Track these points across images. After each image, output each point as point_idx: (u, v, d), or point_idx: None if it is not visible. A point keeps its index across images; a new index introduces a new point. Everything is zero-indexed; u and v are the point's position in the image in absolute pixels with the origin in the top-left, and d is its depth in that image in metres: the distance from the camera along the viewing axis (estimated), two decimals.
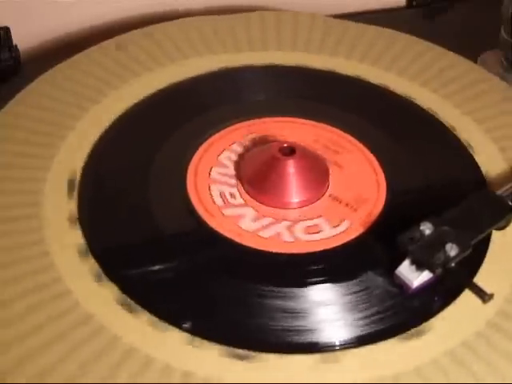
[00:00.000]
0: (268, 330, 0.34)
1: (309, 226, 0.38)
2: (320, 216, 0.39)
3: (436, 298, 0.35)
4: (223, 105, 0.45)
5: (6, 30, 0.51)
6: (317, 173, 0.40)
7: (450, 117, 0.45)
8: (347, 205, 0.39)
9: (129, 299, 0.34)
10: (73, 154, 0.41)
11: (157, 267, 0.36)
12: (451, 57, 0.49)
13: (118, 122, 0.43)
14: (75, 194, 0.39)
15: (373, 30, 0.51)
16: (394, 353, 0.34)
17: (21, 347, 0.33)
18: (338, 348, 0.34)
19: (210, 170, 0.40)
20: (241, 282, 0.35)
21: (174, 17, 0.51)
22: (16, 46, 0.51)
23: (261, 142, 0.42)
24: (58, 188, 0.39)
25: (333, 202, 0.39)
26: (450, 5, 0.60)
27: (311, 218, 0.39)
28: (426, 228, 0.35)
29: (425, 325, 0.35)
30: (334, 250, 0.37)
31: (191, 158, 0.41)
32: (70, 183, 0.39)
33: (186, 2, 0.56)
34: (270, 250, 0.37)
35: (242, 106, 0.45)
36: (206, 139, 0.42)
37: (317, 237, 0.38)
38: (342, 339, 0.34)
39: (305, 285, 0.35)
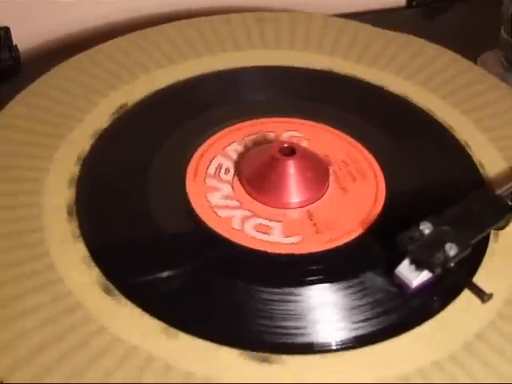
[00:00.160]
0: (267, 330, 0.34)
1: (261, 225, 0.38)
2: (280, 221, 0.38)
3: (435, 298, 0.35)
4: (222, 105, 0.45)
5: (6, 30, 0.51)
6: (317, 173, 0.40)
7: (449, 117, 0.45)
8: (314, 225, 0.39)
9: (130, 303, 0.35)
10: (73, 152, 0.41)
11: (155, 266, 0.36)
12: (449, 56, 0.49)
13: (114, 123, 0.43)
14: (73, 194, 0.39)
15: (370, 29, 0.51)
16: (394, 353, 0.34)
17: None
18: (337, 348, 0.34)
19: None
20: (239, 282, 0.35)
21: (174, 18, 0.51)
22: (16, 46, 0.51)
23: (261, 142, 0.42)
24: (58, 189, 0.39)
25: (305, 216, 0.39)
26: (450, 5, 0.60)
27: (270, 219, 0.38)
28: (426, 228, 0.35)
29: (424, 325, 0.35)
30: (335, 251, 0.37)
31: (190, 157, 0.41)
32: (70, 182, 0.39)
33: (186, 3, 0.56)
34: (269, 251, 0.37)
35: (241, 107, 0.45)
36: (205, 139, 0.42)
37: (260, 236, 0.37)
38: (340, 339, 0.34)
39: (304, 285, 0.35)
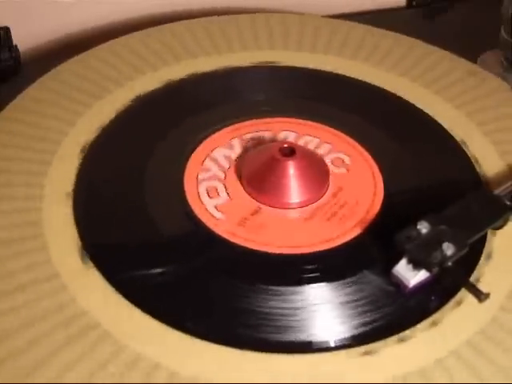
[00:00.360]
0: (266, 330, 0.34)
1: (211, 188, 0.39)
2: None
3: (433, 298, 0.35)
4: (221, 105, 0.45)
5: (6, 30, 0.51)
6: (317, 173, 0.40)
7: (447, 117, 0.45)
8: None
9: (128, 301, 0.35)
10: (72, 152, 0.41)
11: (153, 266, 0.36)
12: (448, 56, 0.49)
13: (110, 124, 0.43)
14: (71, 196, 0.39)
15: (368, 29, 0.51)
16: (390, 352, 0.34)
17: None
18: (335, 347, 0.34)
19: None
20: (237, 281, 0.35)
21: (174, 18, 0.51)
22: (16, 46, 0.51)
23: (260, 142, 0.42)
24: (57, 190, 0.39)
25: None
26: (450, 5, 0.60)
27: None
28: (423, 227, 0.35)
29: (421, 324, 0.35)
30: (332, 250, 0.37)
31: (189, 157, 0.41)
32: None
33: (186, 3, 0.57)
34: (267, 251, 0.37)
35: (240, 106, 0.45)
36: (204, 139, 0.42)
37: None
38: (338, 339, 0.34)
39: (301, 284, 0.35)
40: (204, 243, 0.37)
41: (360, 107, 0.45)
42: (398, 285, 0.35)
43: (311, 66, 0.48)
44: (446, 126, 0.44)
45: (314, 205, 0.39)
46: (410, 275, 0.35)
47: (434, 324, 0.35)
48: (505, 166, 0.42)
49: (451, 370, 0.33)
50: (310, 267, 0.36)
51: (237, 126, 0.43)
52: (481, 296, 0.34)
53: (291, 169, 0.39)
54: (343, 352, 0.33)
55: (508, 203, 0.38)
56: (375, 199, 0.40)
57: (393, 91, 0.46)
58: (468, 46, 0.52)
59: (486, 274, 0.37)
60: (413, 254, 0.35)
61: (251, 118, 0.44)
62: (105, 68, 0.46)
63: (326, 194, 0.40)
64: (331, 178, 0.40)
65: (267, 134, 0.43)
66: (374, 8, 0.60)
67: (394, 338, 0.34)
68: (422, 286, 0.35)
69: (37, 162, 0.40)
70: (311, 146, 0.42)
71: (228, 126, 0.43)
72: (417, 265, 0.35)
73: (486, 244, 0.38)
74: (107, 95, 0.44)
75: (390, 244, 0.35)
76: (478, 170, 0.42)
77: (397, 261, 0.35)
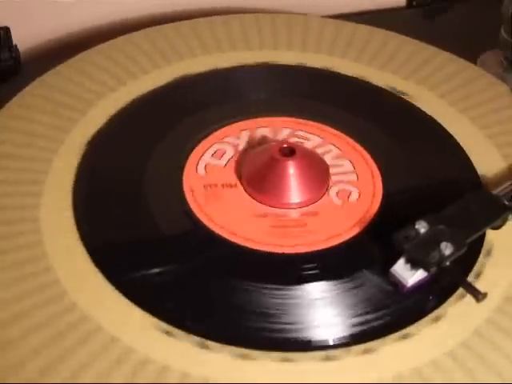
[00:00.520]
0: (265, 328, 0.34)
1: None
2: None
3: (431, 297, 0.36)
4: (219, 105, 0.45)
5: (6, 30, 0.51)
6: (317, 173, 0.40)
7: (447, 116, 0.45)
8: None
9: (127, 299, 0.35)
10: (70, 153, 0.41)
11: (152, 265, 0.36)
12: (447, 57, 0.49)
13: (112, 123, 0.43)
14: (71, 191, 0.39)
15: (369, 30, 0.51)
16: (388, 351, 0.34)
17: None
18: (334, 347, 0.34)
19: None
20: (236, 280, 0.36)
21: (174, 18, 0.51)
22: (16, 46, 0.51)
23: (259, 142, 0.42)
24: (58, 188, 0.39)
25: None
26: (449, 5, 0.60)
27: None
28: (422, 227, 0.35)
29: (419, 323, 0.35)
30: (331, 249, 0.37)
31: (188, 156, 0.41)
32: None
33: (186, 3, 0.57)
34: (266, 250, 0.37)
35: (238, 106, 0.45)
36: (202, 138, 0.42)
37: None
38: (336, 338, 0.34)
39: (300, 283, 0.36)
40: (203, 242, 0.37)
41: (360, 108, 0.45)
42: (396, 284, 0.35)
43: (312, 65, 0.48)
44: (445, 125, 0.44)
45: (314, 205, 0.39)
46: (408, 275, 0.35)
47: (433, 322, 0.35)
48: (504, 166, 0.42)
49: (448, 370, 0.33)
50: (307, 266, 0.36)
51: (234, 125, 0.43)
52: (478, 296, 0.34)
53: (291, 169, 0.39)
54: (343, 351, 0.34)
55: (507, 203, 0.38)
56: (374, 199, 0.40)
57: (393, 91, 0.46)
58: (468, 46, 0.52)
59: (485, 274, 0.37)
60: (411, 254, 0.35)
61: (251, 117, 0.44)
62: (114, 61, 0.47)
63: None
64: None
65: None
66: (373, 8, 0.60)
67: (393, 336, 0.34)
68: (420, 286, 0.35)
69: (37, 160, 0.40)
70: (312, 146, 0.42)
71: (226, 125, 0.43)
72: (415, 264, 0.35)
73: (485, 242, 0.38)
74: (107, 95, 0.45)
75: (388, 243, 0.35)
76: (477, 169, 0.42)
77: (395, 260, 0.35)
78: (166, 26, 0.50)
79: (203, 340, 0.33)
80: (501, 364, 0.33)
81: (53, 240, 0.37)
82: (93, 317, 0.34)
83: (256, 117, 0.44)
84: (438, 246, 0.35)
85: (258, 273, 0.36)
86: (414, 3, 0.61)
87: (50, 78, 0.46)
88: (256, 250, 0.37)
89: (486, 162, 0.42)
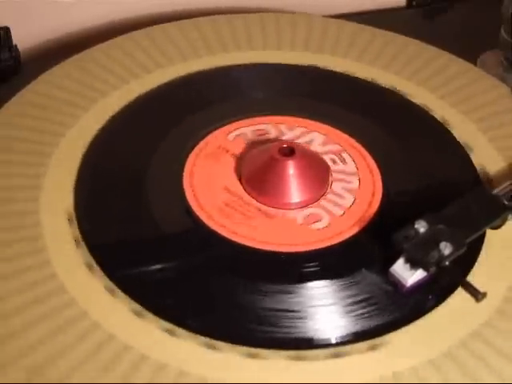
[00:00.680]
0: (264, 328, 0.34)
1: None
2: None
3: (430, 297, 0.35)
4: (218, 104, 0.45)
5: (6, 30, 0.51)
6: (317, 173, 0.40)
7: (446, 116, 0.45)
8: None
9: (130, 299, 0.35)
10: (72, 150, 0.41)
11: (151, 264, 0.36)
12: (447, 57, 0.49)
13: (111, 122, 0.43)
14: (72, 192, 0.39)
15: (370, 30, 0.51)
16: (388, 351, 0.34)
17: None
18: (335, 344, 0.34)
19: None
20: (237, 279, 0.36)
21: (174, 18, 0.51)
22: (16, 45, 0.51)
23: (259, 142, 0.42)
24: (57, 188, 0.39)
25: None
26: (449, 5, 0.60)
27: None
28: (421, 226, 0.35)
29: (418, 323, 0.35)
30: (331, 249, 0.37)
31: (188, 156, 0.41)
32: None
33: (186, 3, 0.57)
34: (267, 249, 0.37)
35: (238, 105, 0.45)
36: (202, 138, 0.42)
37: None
38: (336, 337, 0.34)
39: (300, 282, 0.36)
40: (203, 241, 0.37)
41: (360, 107, 0.45)
42: (396, 284, 0.35)
43: (312, 64, 0.48)
44: (446, 125, 0.44)
45: (314, 204, 0.39)
46: (408, 274, 0.35)
47: (430, 323, 0.35)
48: (504, 165, 0.42)
49: (444, 370, 0.33)
50: (308, 265, 0.36)
51: (234, 124, 0.43)
52: (478, 295, 0.34)
53: (291, 169, 0.39)
54: (342, 349, 0.34)
55: (506, 203, 0.38)
56: (374, 198, 0.40)
57: (393, 90, 0.46)
58: (468, 46, 0.52)
59: (485, 273, 0.37)
60: (410, 254, 0.35)
61: (252, 116, 0.44)
62: (114, 60, 0.47)
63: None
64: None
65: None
66: (373, 8, 0.60)
67: (391, 335, 0.34)
68: (419, 285, 0.35)
69: (39, 155, 0.41)
70: (312, 145, 0.42)
71: (225, 124, 0.43)
72: (414, 264, 0.35)
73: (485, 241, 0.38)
74: (110, 93, 0.45)
75: (388, 243, 0.35)
76: (477, 169, 0.42)
77: (395, 260, 0.35)
78: (167, 24, 0.50)
79: (209, 340, 0.33)
80: (501, 364, 0.33)
81: (53, 236, 0.37)
82: (92, 313, 0.34)
83: (257, 115, 0.44)
84: (438, 245, 0.35)
85: (258, 272, 0.36)
86: (414, 3, 0.61)
87: (49, 77, 0.46)
88: (256, 248, 0.37)
89: (486, 161, 0.42)
